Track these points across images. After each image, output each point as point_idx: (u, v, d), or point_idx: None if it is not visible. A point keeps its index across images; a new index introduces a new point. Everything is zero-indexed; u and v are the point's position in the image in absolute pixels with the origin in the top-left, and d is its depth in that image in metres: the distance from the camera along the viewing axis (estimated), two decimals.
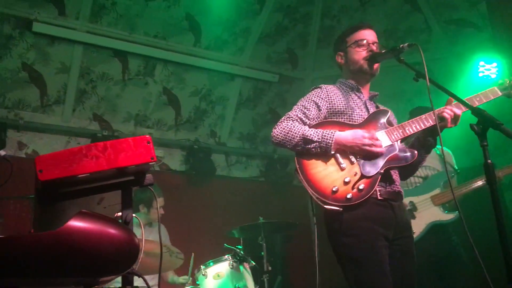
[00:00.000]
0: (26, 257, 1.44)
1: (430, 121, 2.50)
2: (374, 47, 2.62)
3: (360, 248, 2.31)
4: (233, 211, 5.97)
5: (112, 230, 1.51)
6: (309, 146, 2.38)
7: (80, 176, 1.56)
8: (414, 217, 3.74)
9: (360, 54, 2.62)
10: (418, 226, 3.70)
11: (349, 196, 2.31)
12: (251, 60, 6.17)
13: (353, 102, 2.61)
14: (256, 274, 4.11)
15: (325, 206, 2.30)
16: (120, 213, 1.73)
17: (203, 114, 6.30)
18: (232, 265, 3.86)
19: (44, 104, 5.38)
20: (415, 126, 2.50)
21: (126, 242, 1.52)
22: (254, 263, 4.05)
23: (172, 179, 6.02)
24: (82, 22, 5.14)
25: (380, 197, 2.39)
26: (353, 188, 2.33)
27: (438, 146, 3.99)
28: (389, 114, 2.59)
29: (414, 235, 3.58)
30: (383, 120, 2.55)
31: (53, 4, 4.99)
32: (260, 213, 4.49)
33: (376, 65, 2.62)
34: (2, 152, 2.28)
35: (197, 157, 6.11)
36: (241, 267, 3.92)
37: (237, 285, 3.77)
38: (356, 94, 2.67)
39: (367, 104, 2.65)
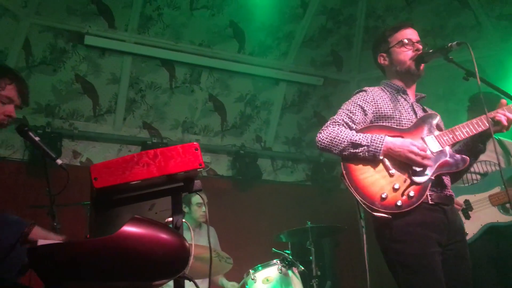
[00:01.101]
0: (84, 261, 1.51)
1: (482, 125, 2.40)
2: (419, 46, 2.55)
3: (412, 254, 2.24)
4: (280, 215, 5.97)
5: (164, 235, 1.55)
6: (357, 150, 2.33)
7: (132, 183, 1.61)
8: (468, 217, 3.46)
9: (406, 55, 2.55)
10: (472, 228, 3.41)
11: (399, 203, 2.24)
12: (295, 64, 6.17)
13: (400, 105, 2.53)
14: (305, 279, 4.08)
15: (374, 214, 2.24)
16: (170, 219, 1.78)
17: (249, 120, 6.35)
18: (281, 269, 3.86)
19: (96, 114, 5.61)
20: (466, 131, 2.40)
21: (177, 247, 1.57)
22: (303, 268, 4.03)
23: (219, 184, 6.10)
24: (130, 33, 5.33)
25: (431, 201, 2.31)
26: (402, 195, 2.26)
27: (499, 137, 3.78)
28: (438, 118, 2.51)
29: (467, 237, 3.34)
30: (433, 124, 2.47)
31: (103, 18, 5.21)
32: (308, 217, 4.46)
33: (422, 65, 2.56)
34: (59, 161, 2.41)
35: (243, 162, 6.17)
36: (290, 272, 3.91)
37: None
38: (402, 97, 2.58)
39: (414, 107, 2.57)
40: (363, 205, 2.26)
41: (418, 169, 2.31)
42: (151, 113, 5.85)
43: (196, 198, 4.40)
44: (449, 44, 2.42)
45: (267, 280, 3.84)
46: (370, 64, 2.82)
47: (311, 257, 4.24)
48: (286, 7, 5.70)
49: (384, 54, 2.64)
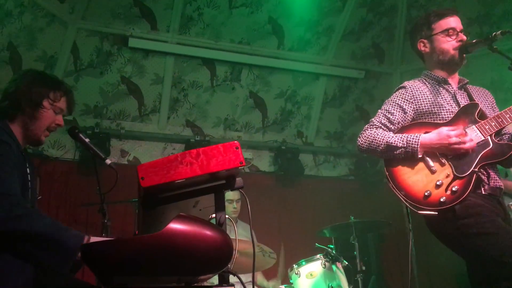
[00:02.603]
0: (133, 257, 1.59)
1: None
2: (463, 36, 2.50)
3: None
4: (323, 210, 5.96)
5: (208, 232, 1.61)
6: (395, 152, 2.34)
7: (177, 181, 1.68)
8: None
9: (450, 44, 2.49)
10: None
11: (442, 199, 2.23)
12: (336, 58, 6.12)
13: (441, 98, 2.49)
14: (350, 274, 4.07)
15: (419, 212, 2.24)
16: (214, 215, 1.84)
17: (289, 115, 6.36)
18: (325, 264, 3.86)
19: (142, 114, 5.78)
20: (509, 116, 2.33)
21: (221, 242, 1.62)
22: (347, 263, 4.02)
23: (262, 180, 6.15)
24: (172, 34, 5.46)
25: (484, 192, 2.29)
26: (446, 190, 2.24)
27: None
28: (479, 106, 2.44)
29: None
30: (474, 114, 2.41)
31: (145, 20, 5.36)
32: (351, 212, 4.44)
33: (464, 56, 2.50)
34: (108, 161, 2.52)
35: (285, 158, 6.19)
36: (333, 267, 3.90)
37: (330, 284, 3.76)
38: (444, 87, 2.54)
39: (457, 96, 2.52)
40: (408, 205, 2.25)
41: (460, 162, 2.28)
42: (194, 112, 5.97)
43: (227, 195, 4.45)
44: (493, 34, 2.37)
45: (311, 275, 3.85)
46: (412, 55, 2.77)
47: (355, 252, 4.22)
48: (325, 1, 5.66)
49: (425, 41, 2.59)
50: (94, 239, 1.88)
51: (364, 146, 2.44)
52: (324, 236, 4.53)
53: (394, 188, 2.32)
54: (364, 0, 5.78)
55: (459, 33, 2.50)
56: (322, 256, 3.92)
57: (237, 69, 5.91)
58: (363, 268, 4.19)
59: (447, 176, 2.28)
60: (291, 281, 3.99)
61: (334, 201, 6.13)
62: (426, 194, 2.25)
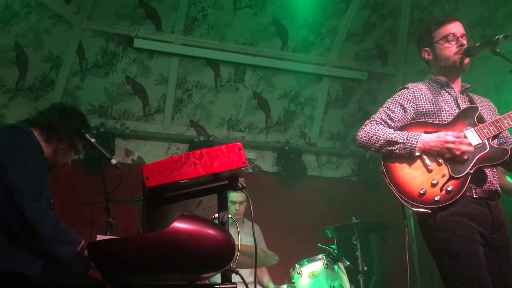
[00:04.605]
0: (137, 255, 1.63)
1: None
2: (464, 41, 2.53)
3: (456, 241, 2.25)
4: (326, 211, 5.99)
5: (211, 231, 1.65)
6: (393, 147, 2.38)
7: (181, 181, 1.72)
8: None
9: (450, 50, 2.54)
10: None
11: (437, 198, 2.27)
12: (339, 59, 6.15)
13: (443, 100, 2.53)
14: (351, 274, 4.10)
15: (413, 209, 2.29)
16: (217, 215, 1.88)
17: (293, 116, 6.39)
18: (327, 264, 3.89)
19: (146, 114, 5.83)
20: (507, 122, 2.37)
21: (223, 241, 1.66)
22: (348, 263, 4.05)
23: (265, 180, 6.18)
24: (177, 35, 5.50)
25: (475, 195, 2.32)
26: (441, 190, 2.29)
27: None
28: (479, 110, 2.48)
29: None
30: (473, 117, 2.45)
31: (150, 21, 5.40)
32: (353, 213, 4.47)
33: (467, 60, 2.53)
34: (114, 161, 2.55)
35: (288, 158, 6.21)
36: (335, 267, 3.94)
37: (332, 284, 3.80)
38: (446, 91, 2.59)
39: (458, 100, 2.56)
40: (403, 202, 2.30)
41: (456, 163, 2.31)
42: (198, 112, 6.01)
43: (230, 196, 4.45)
44: (496, 37, 2.41)
45: (313, 274, 3.89)
46: (416, 56, 2.81)
47: (357, 252, 4.25)
48: (328, 2, 5.69)
49: (428, 49, 2.65)
50: (100, 237, 1.92)
51: (364, 140, 2.48)
52: (327, 236, 4.56)
53: (390, 184, 2.36)
54: (368, 1, 5.81)
55: (459, 38, 2.54)
56: (324, 256, 3.95)
57: (241, 70, 5.94)
58: (365, 268, 4.21)
59: (443, 176, 2.32)
60: (293, 280, 4.03)
61: (337, 201, 6.16)
62: (421, 192, 2.29)
